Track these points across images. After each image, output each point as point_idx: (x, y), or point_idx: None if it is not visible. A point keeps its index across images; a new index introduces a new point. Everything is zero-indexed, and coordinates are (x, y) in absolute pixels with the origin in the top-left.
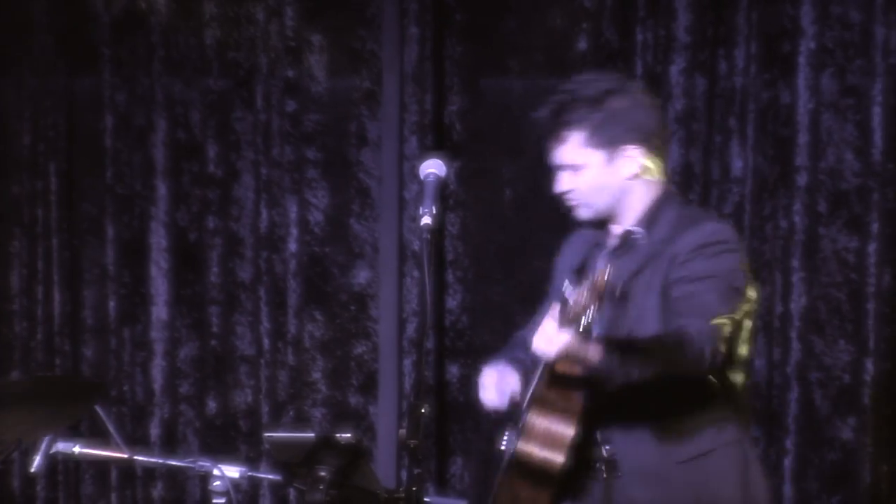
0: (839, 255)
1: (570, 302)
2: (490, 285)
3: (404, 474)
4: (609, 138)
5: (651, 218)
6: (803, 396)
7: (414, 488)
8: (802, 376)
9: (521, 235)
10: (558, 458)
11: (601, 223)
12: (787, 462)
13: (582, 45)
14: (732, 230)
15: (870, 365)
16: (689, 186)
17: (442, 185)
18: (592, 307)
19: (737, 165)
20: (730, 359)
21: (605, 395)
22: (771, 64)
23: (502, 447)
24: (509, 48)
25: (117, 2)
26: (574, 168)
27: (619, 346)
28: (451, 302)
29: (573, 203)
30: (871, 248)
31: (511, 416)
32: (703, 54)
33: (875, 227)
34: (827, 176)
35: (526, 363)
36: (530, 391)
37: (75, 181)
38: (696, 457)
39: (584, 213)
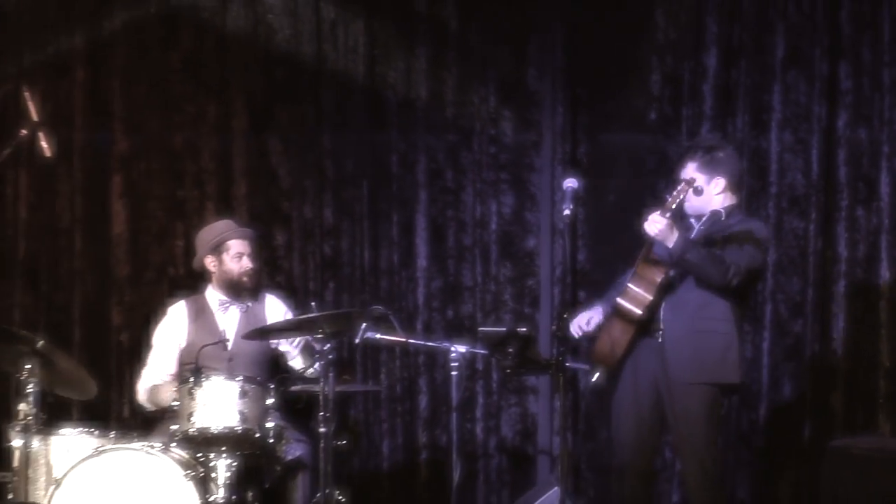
0: (794, 231)
1: (668, 197)
2: (601, 247)
3: (555, 350)
4: (709, 171)
5: (727, 214)
6: (774, 308)
7: (560, 358)
8: (773, 297)
9: (618, 220)
10: (638, 311)
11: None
12: (765, 345)
13: (652, 115)
14: (766, 228)
15: (810, 291)
16: None
17: (575, 193)
18: (681, 198)
19: None
20: (744, 289)
21: (671, 279)
22: (756, 127)
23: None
24: (612, 118)
25: (398, 94)
26: (688, 182)
27: (687, 241)
28: (581, 256)
29: (690, 203)
30: (811, 228)
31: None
32: (720, 121)
33: (813, 216)
34: (787, 188)
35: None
36: (631, 271)
37: (376, 192)
38: (706, 331)
39: (689, 209)
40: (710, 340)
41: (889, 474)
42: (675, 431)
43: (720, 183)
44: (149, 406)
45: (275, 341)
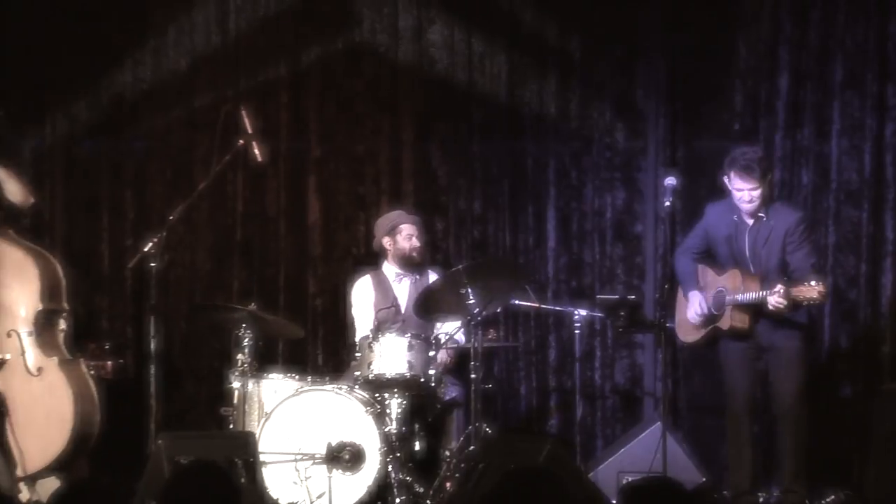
0: (850, 219)
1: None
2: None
3: (657, 314)
4: (766, 176)
5: (768, 210)
6: (833, 281)
7: (661, 320)
8: (833, 272)
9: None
10: (746, 326)
11: (731, 206)
12: (826, 309)
13: (736, 126)
14: (807, 213)
15: (863, 266)
16: (791, 189)
17: (674, 188)
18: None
19: (805, 180)
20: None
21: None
22: (819, 136)
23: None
24: (704, 128)
25: (532, 110)
26: (752, 189)
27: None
28: (678, 239)
29: (753, 203)
30: (864, 216)
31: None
32: (790, 131)
33: (865, 206)
34: (844, 184)
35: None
36: (731, 297)
37: (515, 188)
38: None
39: (747, 210)
40: (801, 310)
41: None
42: (776, 377)
43: (770, 182)
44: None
45: (438, 324)
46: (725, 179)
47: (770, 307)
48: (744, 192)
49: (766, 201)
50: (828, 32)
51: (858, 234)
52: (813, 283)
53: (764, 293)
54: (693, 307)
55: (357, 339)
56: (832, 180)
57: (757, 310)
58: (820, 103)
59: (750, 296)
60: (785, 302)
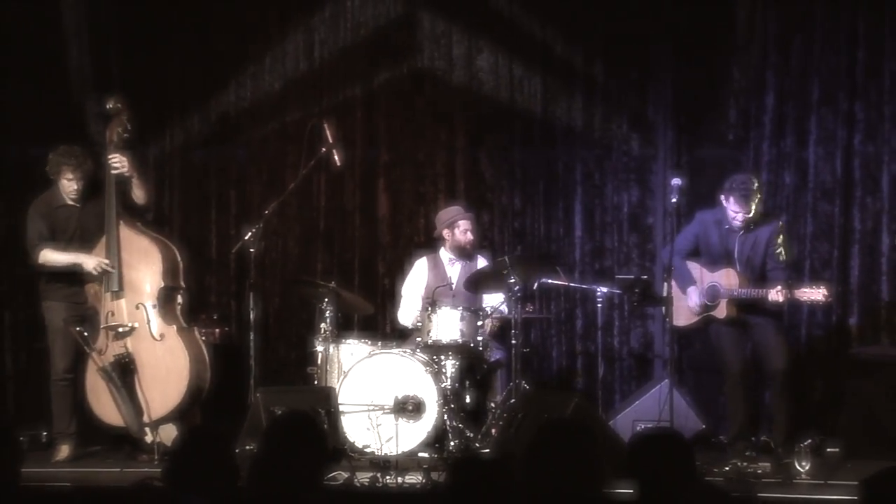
0: (824, 212)
1: (739, 294)
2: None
3: (665, 291)
4: (755, 200)
5: (756, 220)
6: (811, 264)
7: (668, 296)
8: (811, 256)
9: (707, 206)
10: (738, 313)
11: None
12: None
13: (730, 136)
14: (783, 223)
15: (835, 252)
16: (776, 188)
17: (679, 187)
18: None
19: (787, 180)
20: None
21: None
22: (800, 144)
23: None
24: (704, 138)
25: (563, 123)
26: (746, 213)
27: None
28: (684, 227)
29: (744, 222)
30: (836, 210)
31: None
32: (775, 140)
33: (837, 202)
34: (820, 184)
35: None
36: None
37: (548, 187)
38: (770, 311)
39: (744, 225)
40: (772, 315)
41: (889, 370)
42: (767, 344)
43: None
44: (406, 324)
45: (484, 296)
46: (723, 198)
47: (770, 300)
48: (738, 214)
49: (755, 216)
50: (807, 59)
51: (831, 225)
52: (820, 287)
53: (764, 291)
54: (693, 299)
55: (398, 314)
56: (810, 181)
57: (751, 302)
58: (800, 117)
59: (747, 292)
60: (784, 299)
